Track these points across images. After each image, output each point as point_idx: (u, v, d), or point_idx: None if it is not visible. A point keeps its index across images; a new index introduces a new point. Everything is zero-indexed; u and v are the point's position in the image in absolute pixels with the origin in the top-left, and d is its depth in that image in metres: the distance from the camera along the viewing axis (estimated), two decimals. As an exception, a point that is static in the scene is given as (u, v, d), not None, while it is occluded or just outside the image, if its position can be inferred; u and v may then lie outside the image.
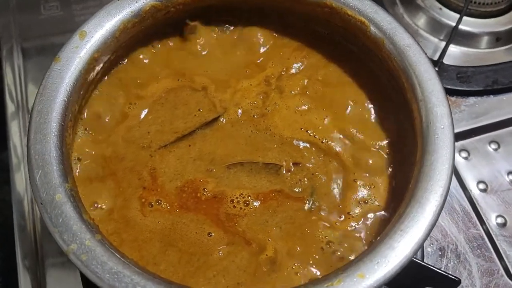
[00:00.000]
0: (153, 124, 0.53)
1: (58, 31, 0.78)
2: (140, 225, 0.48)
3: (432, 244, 0.64)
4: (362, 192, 0.50)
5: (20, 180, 0.67)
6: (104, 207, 0.49)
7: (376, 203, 0.50)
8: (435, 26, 0.79)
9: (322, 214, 0.49)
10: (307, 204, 0.49)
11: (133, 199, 0.49)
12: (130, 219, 0.48)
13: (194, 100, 0.55)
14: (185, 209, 0.49)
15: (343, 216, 0.49)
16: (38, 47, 0.78)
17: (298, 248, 0.47)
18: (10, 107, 0.73)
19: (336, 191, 0.50)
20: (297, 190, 0.50)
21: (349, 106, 0.55)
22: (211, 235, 0.48)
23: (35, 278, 0.61)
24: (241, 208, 0.49)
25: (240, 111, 0.54)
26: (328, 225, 0.48)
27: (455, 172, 0.69)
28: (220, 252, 0.47)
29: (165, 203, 0.49)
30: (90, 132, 0.52)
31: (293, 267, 0.46)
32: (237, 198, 0.49)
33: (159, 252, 0.47)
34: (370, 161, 0.51)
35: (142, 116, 0.54)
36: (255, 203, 0.49)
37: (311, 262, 0.47)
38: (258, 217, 0.49)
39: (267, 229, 0.48)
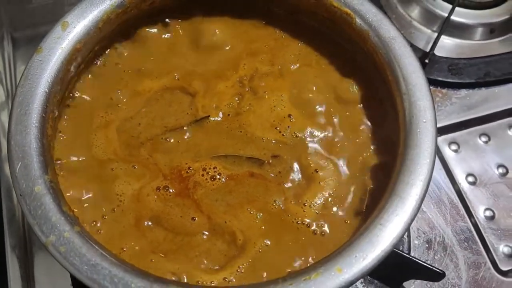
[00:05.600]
0: (144, 117, 0.53)
1: (48, 20, 0.77)
2: (144, 202, 0.49)
3: (419, 236, 0.64)
4: (323, 195, 0.50)
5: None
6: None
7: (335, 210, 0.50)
8: (429, 17, 0.78)
9: (288, 191, 0.50)
10: (285, 185, 0.50)
11: (156, 180, 0.50)
12: (140, 195, 0.49)
13: (185, 100, 0.55)
14: (175, 194, 0.50)
15: (299, 201, 0.50)
16: (28, 37, 0.78)
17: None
18: (0, 96, 0.73)
19: (304, 184, 0.51)
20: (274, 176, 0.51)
21: (331, 104, 0.54)
22: (194, 220, 0.49)
23: (23, 265, 0.61)
24: (206, 179, 0.50)
25: (221, 113, 0.54)
26: (283, 199, 0.50)
27: (444, 164, 0.69)
28: (204, 236, 0.48)
29: (171, 189, 0.50)
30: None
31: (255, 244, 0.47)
32: (210, 169, 0.51)
33: (148, 228, 0.48)
34: (342, 162, 0.52)
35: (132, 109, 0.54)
36: (221, 181, 0.50)
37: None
38: (212, 194, 0.50)
39: (214, 208, 0.49)
